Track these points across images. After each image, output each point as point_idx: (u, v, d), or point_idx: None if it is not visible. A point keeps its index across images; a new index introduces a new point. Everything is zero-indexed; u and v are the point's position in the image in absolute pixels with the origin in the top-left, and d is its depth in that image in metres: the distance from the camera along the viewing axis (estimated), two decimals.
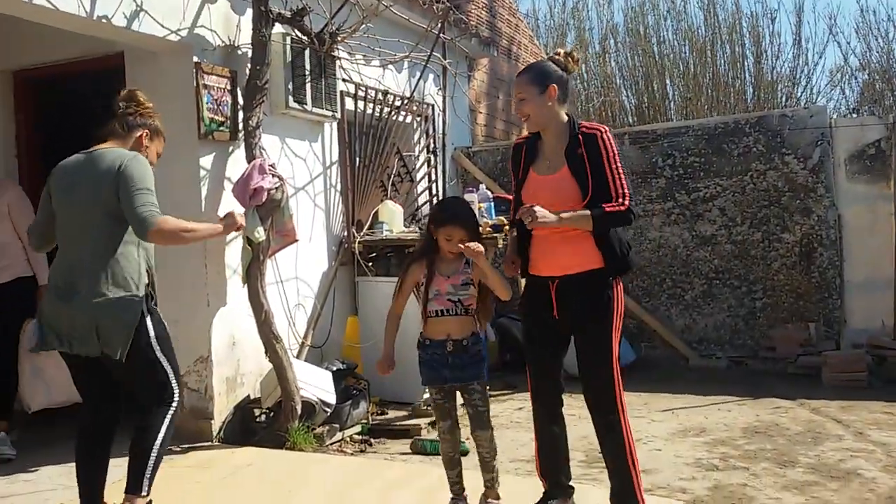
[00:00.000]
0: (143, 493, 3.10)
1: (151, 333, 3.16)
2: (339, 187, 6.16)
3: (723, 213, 7.20)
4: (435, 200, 7.26)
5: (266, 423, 4.91)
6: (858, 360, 6.33)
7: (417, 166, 7.26)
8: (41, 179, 5.30)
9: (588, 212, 3.13)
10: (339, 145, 6.14)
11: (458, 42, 7.30)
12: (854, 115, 11.21)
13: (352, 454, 4.84)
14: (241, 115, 4.96)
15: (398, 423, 5.28)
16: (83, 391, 3.32)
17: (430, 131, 7.38)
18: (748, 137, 7.10)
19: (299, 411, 4.74)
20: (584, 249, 3.21)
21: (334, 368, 5.26)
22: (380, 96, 6.48)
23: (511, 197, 3.52)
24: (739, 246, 7.15)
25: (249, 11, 4.93)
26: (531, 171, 3.33)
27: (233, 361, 5.00)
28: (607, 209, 3.13)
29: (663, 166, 7.39)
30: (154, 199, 3.12)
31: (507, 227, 3.63)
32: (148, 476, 3.11)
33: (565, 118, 3.29)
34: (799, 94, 12.34)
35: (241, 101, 4.97)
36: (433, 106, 7.39)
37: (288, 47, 5.30)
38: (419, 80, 6.87)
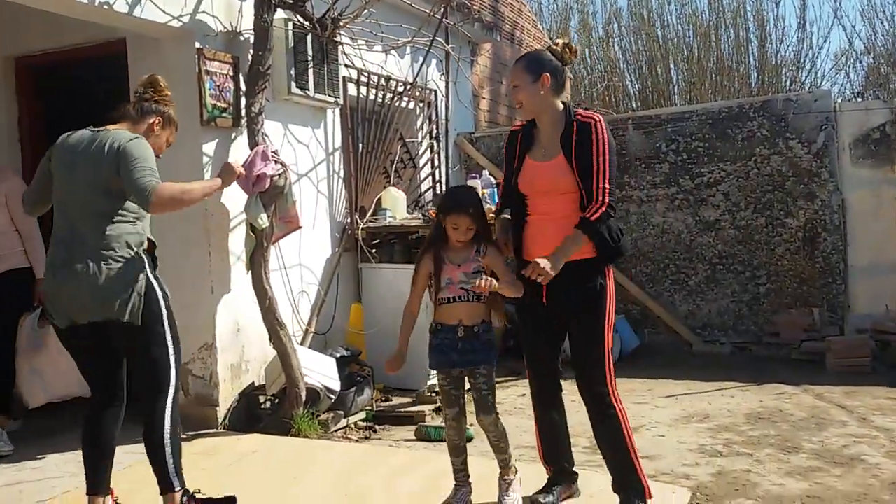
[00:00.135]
0: (177, 488, 3.14)
1: (161, 302, 3.17)
2: (342, 174, 6.14)
3: (727, 198, 7.18)
4: (438, 187, 7.25)
5: (271, 410, 4.93)
6: (862, 346, 6.33)
7: (420, 152, 7.25)
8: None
9: (576, 233, 3.13)
10: (341, 131, 6.12)
11: (461, 27, 7.27)
12: (859, 100, 11.15)
13: (356, 441, 4.86)
14: (243, 101, 4.95)
15: (402, 410, 5.29)
16: (88, 375, 3.32)
17: (433, 117, 7.36)
18: (752, 122, 7.07)
19: (304, 398, 4.75)
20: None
21: (338, 355, 5.27)
22: (382, 82, 6.45)
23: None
24: (743, 231, 7.13)
25: None
26: (527, 157, 3.34)
27: (237, 348, 5.01)
28: (591, 218, 3.12)
29: (667, 151, 7.36)
30: (155, 174, 3.11)
31: (492, 215, 3.61)
32: (172, 470, 3.13)
33: (560, 106, 3.30)
34: (803, 78, 12.29)
35: (243, 87, 4.96)
36: (436, 91, 7.36)
37: (290, 33, 5.27)
38: (422, 65, 6.84)
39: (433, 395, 5.31)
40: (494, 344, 3.36)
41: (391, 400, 5.49)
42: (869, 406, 5.19)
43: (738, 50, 12.25)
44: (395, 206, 6.30)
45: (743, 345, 7.12)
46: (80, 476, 3.27)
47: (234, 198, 4.86)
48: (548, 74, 3.24)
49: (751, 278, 7.12)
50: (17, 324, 4.42)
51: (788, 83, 12.27)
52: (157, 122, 3.37)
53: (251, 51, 4.89)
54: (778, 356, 6.82)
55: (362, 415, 5.17)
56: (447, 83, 7.27)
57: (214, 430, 4.79)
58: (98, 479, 3.22)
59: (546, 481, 3.48)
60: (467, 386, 3.43)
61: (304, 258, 5.66)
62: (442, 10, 6.57)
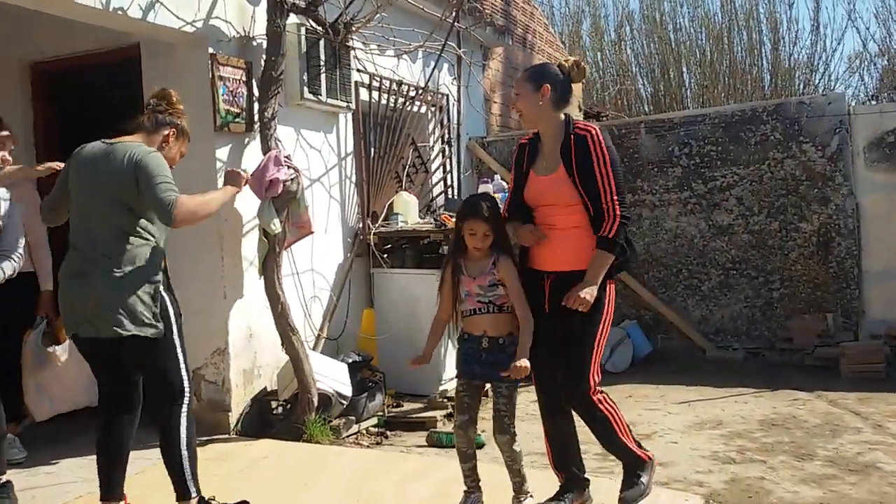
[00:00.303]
0: (193, 496, 3.18)
1: (171, 315, 3.19)
2: (353, 178, 6.15)
3: (740, 202, 7.14)
4: (450, 191, 7.25)
5: (283, 416, 4.93)
6: (877, 352, 6.28)
7: (432, 157, 7.25)
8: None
9: (599, 253, 3.17)
10: (353, 136, 6.13)
11: (473, 31, 7.27)
12: (873, 102, 11.11)
13: (368, 446, 4.85)
14: (256, 106, 4.96)
15: (414, 416, 5.29)
16: (101, 382, 3.34)
17: (445, 121, 7.36)
18: (765, 125, 7.03)
19: (316, 403, 4.75)
20: (580, 248, 3.24)
21: (350, 360, 5.27)
22: (394, 86, 6.46)
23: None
24: (756, 236, 7.09)
25: (264, 2, 4.92)
26: (531, 171, 3.38)
27: (250, 353, 5.02)
28: (609, 235, 3.16)
29: (679, 155, 7.33)
30: (174, 187, 3.16)
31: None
32: (189, 478, 3.18)
33: (562, 118, 3.31)
34: (817, 80, 12.27)
35: (256, 92, 4.97)
36: (448, 96, 7.36)
37: (303, 38, 5.29)
38: (434, 69, 6.84)
39: (444, 400, 5.30)
40: None
41: (403, 406, 5.48)
42: (884, 413, 5.15)
43: (751, 53, 12.23)
44: (407, 211, 6.30)
45: (756, 350, 7.08)
46: (93, 481, 3.29)
47: (247, 203, 4.88)
48: (548, 85, 3.27)
49: (764, 283, 7.08)
50: (19, 326, 4.44)
51: (802, 86, 12.24)
52: (171, 133, 3.41)
53: (264, 56, 4.91)
54: (791, 362, 6.77)
55: (374, 420, 5.17)
56: (459, 87, 7.28)
57: (227, 436, 4.79)
58: (112, 484, 3.24)
59: (558, 488, 3.47)
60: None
61: (316, 263, 5.67)
62: (454, 14, 6.57)
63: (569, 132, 3.26)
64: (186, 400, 3.24)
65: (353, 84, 5.87)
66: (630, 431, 3.37)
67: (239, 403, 4.93)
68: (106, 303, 3.08)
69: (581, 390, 3.24)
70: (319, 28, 5.28)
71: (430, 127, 7.27)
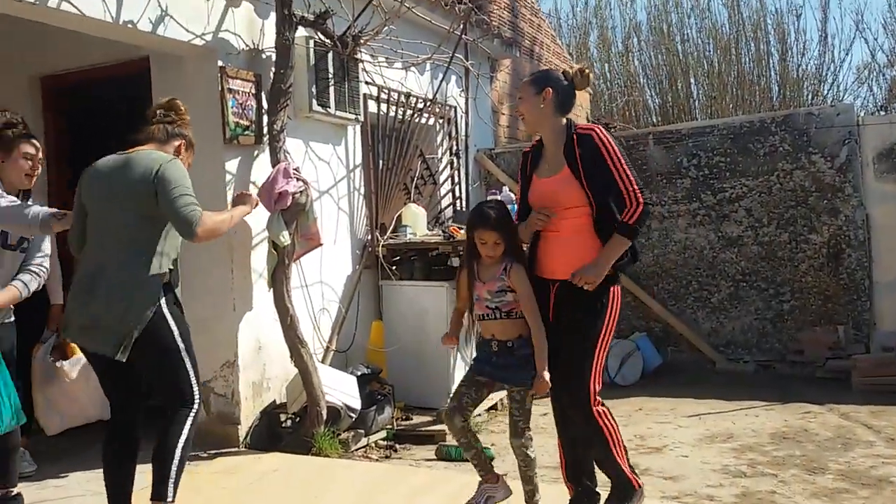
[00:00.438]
0: (169, 499, 3.09)
1: (175, 332, 3.17)
2: (362, 190, 6.15)
3: (749, 213, 7.12)
4: (458, 203, 7.25)
5: (292, 429, 4.92)
6: (889, 364, 6.24)
7: (440, 168, 7.25)
8: (68, 183, 5.40)
9: (615, 238, 3.17)
10: (362, 148, 6.14)
11: (481, 43, 7.28)
12: (882, 113, 11.07)
13: (377, 460, 4.83)
14: (265, 118, 4.97)
15: (423, 429, 5.26)
16: (108, 392, 3.34)
17: (453, 133, 7.36)
18: (774, 136, 7.01)
19: (325, 416, 4.74)
20: (583, 256, 3.23)
21: (359, 373, 5.25)
22: (402, 99, 6.47)
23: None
24: (766, 247, 7.06)
25: (273, 15, 4.94)
26: (534, 176, 3.40)
27: (259, 366, 5.02)
28: (630, 222, 3.16)
29: (688, 166, 7.32)
30: (195, 200, 3.16)
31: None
32: (172, 480, 3.10)
33: (563, 122, 3.33)
34: (825, 91, 12.24)
35: (265, 104, 4.98)
36: (456, 108, 7.37)
37: (311, 51, 5.30)
38: (441, 81, 6.85)
39: None
40: (532, 360, 3.29)
41: (412, 419, 5.46)
42: None
43: (759, 63, 12.22)
44: (416, 223, 6.30)
45: (767, 363, 7.04)
46: (102, 494, 3.28)
47: (257, 215, 4.87)
48: (550, 89, 3.29)
49: (774, 295, 7.05)
50: (32, 340, 4.42)
51: (810, 97, 12.22)
52: (181, 145, 3.42)
53: (273, 69, 4.92)
54: (802, 374, 6.73)
55: (383, 433, 5.15)
56: (467, 99, 7.29)
57: (236, 449, 4.78)
58: (119, 498, 3.23)
59: (568, 501, 3.44)
60: (485, 405, 3.43)
61: (325, 275, 5.67)
62: (461, 26, 6.59)
63: (570, 134, 3.28)
64: (195, 408, 3.22)
65: (361, 96, 5.88)
66: (626, 454, 3.33)
67: (248, 416, 4.92)
68: (105, 324, 3.06)
69: (580, 396, 3.22)
70: (328, 41, 5.30)
71: (439, 139, 7.28)
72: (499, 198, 6.53)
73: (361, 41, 5.47)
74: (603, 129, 3.28)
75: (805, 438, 4.94)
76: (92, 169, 3.29)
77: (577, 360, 3.22)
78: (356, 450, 4.89)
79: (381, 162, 6.31)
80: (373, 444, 5.04)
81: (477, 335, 3.45)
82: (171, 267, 3.25)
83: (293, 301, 4.88)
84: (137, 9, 4.23)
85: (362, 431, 5.00)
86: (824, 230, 6.86)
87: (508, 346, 3.31)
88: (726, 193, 7.19)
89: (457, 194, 7.31)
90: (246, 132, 4.91)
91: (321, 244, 5.19)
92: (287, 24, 4.84)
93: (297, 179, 4.83)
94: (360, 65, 5.82)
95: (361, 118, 5.93)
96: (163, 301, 3.14)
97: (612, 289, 3.25)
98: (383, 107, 6.27)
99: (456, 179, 7.34)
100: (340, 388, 4.94)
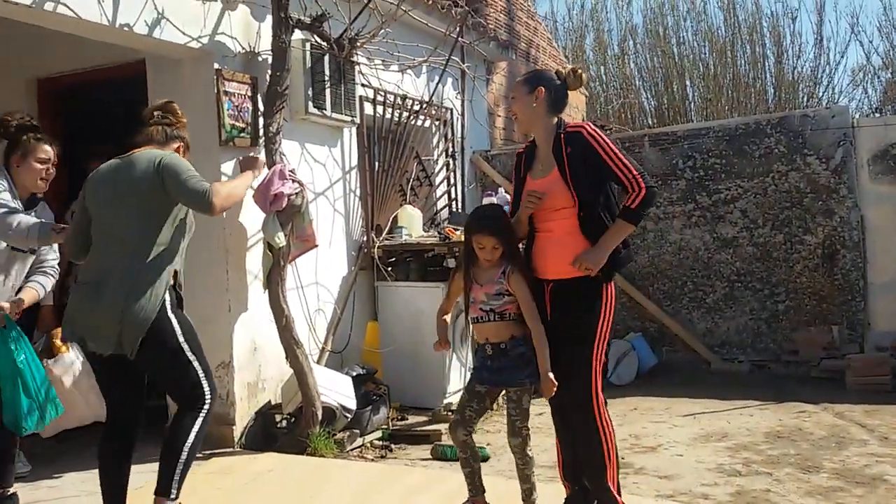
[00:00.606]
0: (173, 496, 3.13)
1: (178, 332, 3.18)
2: (358, 192, 6.17)
3: (744, 215, 7.14)
4: (454, 204, 7.27)
5: (287, 429, 4.93)
6: (882, 364, 6.26)
7: (436, 170, 7.26)
8: (64, 185, 5.41)
9: (618, 223, 3.19)
10: (358, 150, 6.15)
11: (477, 46, 7.31)
12: (877, 115, 11.12)
13: (372, 460, 4.85)
14: (261, 121, 4.98)
15: (418, 429, 5.28)
16: (106, 393, 3.35)
17: (449, 135, 7.38)
18: (769, 138, 7.04)
19: (320, 417, 4.75)
20: (575, 254, 3.22)
21: (354, 374, 5.26)
22: (398, 101, 6.49)
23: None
24: (761, 248, 7.09)
25: (269, 18, 4.96)
26: (528, 176, 3.41)
27: (254, 367, 5.03)
28: (633, 206, 3.17)
29: (684, 168, 7.34)
30: (202, 178, 3.19)
31: None
32: (178, 479, 3.13)
33: (554, 122, 3.34)
34: (820, 93, 12.28)
35: (261, 107, 5.00)
36: (452, 110, 7.39)
37: (307, 53, 5.32)
38: (438, 84, 6.87)
39: (449, 413, 5.29)
40: (529, 359, 3.29)
41: (407, 419, 5.48)
42: (890, 425, 5.13)
43: (755, 66, 12.25)
44: (412, 224, 6.31)
45: (761, 363, 7.06)
46: (96, 495, 3.28)
47: (252, 217, 4.90)
48: (542, 88, 3.30)
49: (769, 296, 7.07)
50: None
51: (806, 99, 12.25)
52: (180, 147, 3.45)
53: (269, 71, 4.94)
54: (797, 374, 6.76)
55: (378, 434, 5.16)
56: (463, 101, 7.31)
57: (231, 450, 4.79)
58: (114, 498, 3.23)
59: (563, 500, 3.45)
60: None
61: (320, 277, 5.68)
62: (458, 29, 6.61)
63: (558, 133, 3.28)
64: (206, 408, 3.23)
65: (357, 98, 5.90)
66: (617, 467, 3.31)
67: (243, 417, 4.93)
68: (111, 323, 3.07)
69: (581, 394, 3.22)
70: (324, 43, 5.31)
71: (434, 141, 7.29)
72: (495, 200, 6.58)
73: (358, 44, 5.48)
74: (592, 125, 3.30)
75: (799, 437, 4.96)
76: (95, 174, 3.32)
77: (576, 359, 3.23)
78: (351, 450, 4.91)
79: (377, 164, 6.32)
80: (368, 445, 5.05)
81: (473, 342, 3.46)
82: (177, 269, 3.26)
83: (289, 302, 4.89)
84: (134, 12, 4.25)
85: (358, 432, 5.01)
86: (819, 231, 6.88)
87: (502, 348, 3.31)
88: (721, 195, 7.21)
89: (452, 196, 7.32)
90: (242, 134, 4.93)
91: (317, 245, 5.20)
92: (283, 27, 4.86)
93: (293, 181, 4.85)
94: (357, 67, 5.83)
95: (357, 120, 5.94)
96: (168, 304, 3.16)
97: (606, 286, 3.26)
98: (379, 109, 6.29)
99: (452, 181, 7.35)
100: (336, 389, 4.95)
